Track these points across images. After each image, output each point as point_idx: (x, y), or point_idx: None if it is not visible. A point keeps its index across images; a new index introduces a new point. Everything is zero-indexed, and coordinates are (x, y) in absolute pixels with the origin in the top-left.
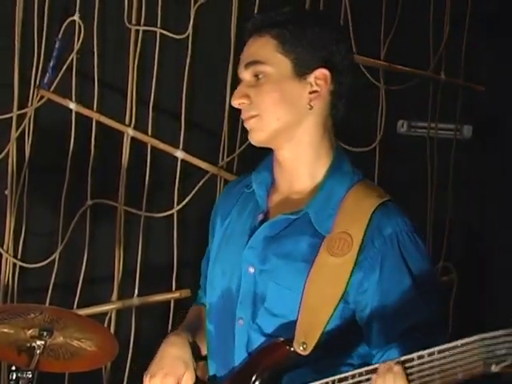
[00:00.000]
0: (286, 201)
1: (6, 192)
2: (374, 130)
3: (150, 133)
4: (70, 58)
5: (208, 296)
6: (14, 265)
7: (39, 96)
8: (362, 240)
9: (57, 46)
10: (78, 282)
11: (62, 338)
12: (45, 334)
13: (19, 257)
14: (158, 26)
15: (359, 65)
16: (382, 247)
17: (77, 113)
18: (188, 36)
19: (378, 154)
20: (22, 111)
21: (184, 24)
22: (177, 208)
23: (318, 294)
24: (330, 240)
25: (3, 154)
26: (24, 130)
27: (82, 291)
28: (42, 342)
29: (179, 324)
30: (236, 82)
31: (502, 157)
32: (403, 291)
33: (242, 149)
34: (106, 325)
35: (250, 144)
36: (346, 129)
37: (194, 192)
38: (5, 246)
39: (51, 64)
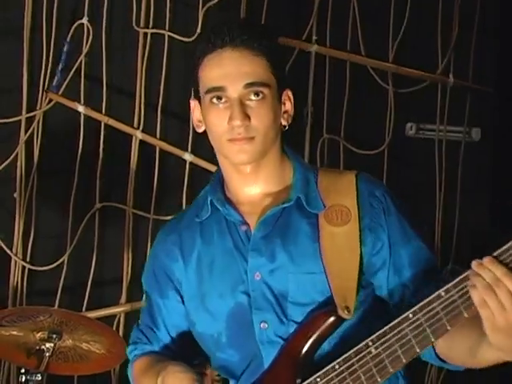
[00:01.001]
0: (261, 206)
1: (15, 195)
2: (383, 133)
3: (158, 136)
4: (79, 61)
5: (210, 329)
6: (23, 268)
7: (48, 99)
8: (359, 207)
9: (65, 49)
10: (87, 285)
11: (71, 341)
12: (54, 336)
13: (28, 260)
14: (167, 28)
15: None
16: (379, 205)
17: (85, 116)
18: (196, 39)
19: (387, 156)
20: (31, 114)
21: (192, 27)
22: None
23: (339, 262)
24: (326, 215)
25: (12, 157)
26: (33, 133)
27: (90, 294)
28: (51, 345)
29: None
30: None
31: (510, 159)
32: (409, 240)
33: None
34: (114, 327)
35: None
36: (355, 132)
37: None
38: (14, 249)
39: (60, 67)
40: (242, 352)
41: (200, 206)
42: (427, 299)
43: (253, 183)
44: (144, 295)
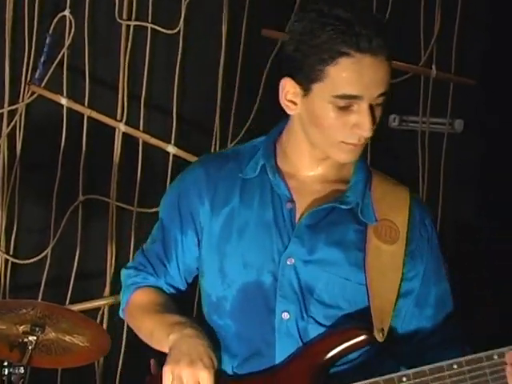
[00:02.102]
0: (311, 189)
1: None
2: None
3: (141, 128)
4: (61, 54)
5: (215, 289)
6: (6, 261)
7: (30, 92)
8: (408, 229)
9: (47, 41)
10: (71, 278)
11: (54, 334)
12: (37, 329)
13: (11, 253)
14: (149, 21)
15: None
16: (425, 235)
17: (68, 108)
18: (179, 31)
19: (370, 148)
20: (13, 107)
21: (175, 19)
22: None
23: (382, 281)
24: (376, 228)
25: None
26: (15, 125)
27: (74, 287)
28: (34, 338)
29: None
30: (228, 75)
31: (493, 151)
32: (440, 280)
33: (234, 143)
34: (98, 320)
35: (241, 139)
36: None
37: None
38: None
39: (42, 60)
40: (246, 329)
41: (245, 160)
42: (477, 355)
43: (318, 167)
44: (158, 223)
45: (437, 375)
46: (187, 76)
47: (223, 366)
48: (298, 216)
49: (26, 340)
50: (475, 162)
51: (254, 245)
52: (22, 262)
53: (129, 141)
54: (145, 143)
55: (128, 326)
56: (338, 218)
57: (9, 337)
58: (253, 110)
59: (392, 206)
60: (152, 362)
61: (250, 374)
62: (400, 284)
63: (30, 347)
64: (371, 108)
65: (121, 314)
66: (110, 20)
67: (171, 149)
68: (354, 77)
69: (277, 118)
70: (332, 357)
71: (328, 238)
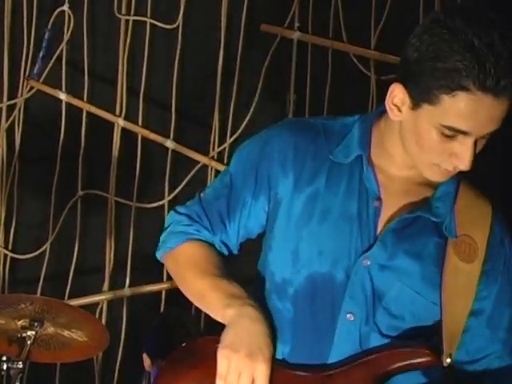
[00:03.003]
0: (397, 189)
1: None
2: None
3: (140, 123)
4: (60, 49)
5: (283, 270)
6: (5, 256)
7: (29, 86)
8: (487, 248)
9: (46, 36)
10: (69, 273)
11: (52, 329)
12: (35, 324)
13: (10, 248)
14: (148, 16)
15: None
16: (503, 256)
17: (67, 103)
18: (178, 26)
19: None
20: (12, 102)
21: (174, 14)
22: (168, 198)
23: (456, 303)
24: (456, 244)
25: None
26: (14, 120)
27: (73, 282)
28: (33, 333)
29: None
30: (227, 71)
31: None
32: None
33: (232, 139)
34: (97, 315)
35: (240, 134)
36: None
37: (185, 182)
38: None
39: (41, 54)
40: (305, 320)
41: (334, 140)
42: None
43: (408, 169)
44: (225, 176)
45: None
46: (186, 71)
47: (278, 354)
48: (381, 216)
49: (24, 335)
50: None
51: (334, 235)
52: (20, 256)
53: (128, 136)
54: (144, 138)
55: (127, 321)
56: (423, 227)
57: (7, 332)
58: (252, 106)
59: (474, 220)
60: (144, 355)
61: (302, 366)
62: (471, 308)
63: (28, 342)
64: (475, 143)
65: (158, 255)
66: (109, 15)
67: (170, 144)
68: (469, 114)
69: (276, 113)
70: (394, 370)
71: (409, 247)
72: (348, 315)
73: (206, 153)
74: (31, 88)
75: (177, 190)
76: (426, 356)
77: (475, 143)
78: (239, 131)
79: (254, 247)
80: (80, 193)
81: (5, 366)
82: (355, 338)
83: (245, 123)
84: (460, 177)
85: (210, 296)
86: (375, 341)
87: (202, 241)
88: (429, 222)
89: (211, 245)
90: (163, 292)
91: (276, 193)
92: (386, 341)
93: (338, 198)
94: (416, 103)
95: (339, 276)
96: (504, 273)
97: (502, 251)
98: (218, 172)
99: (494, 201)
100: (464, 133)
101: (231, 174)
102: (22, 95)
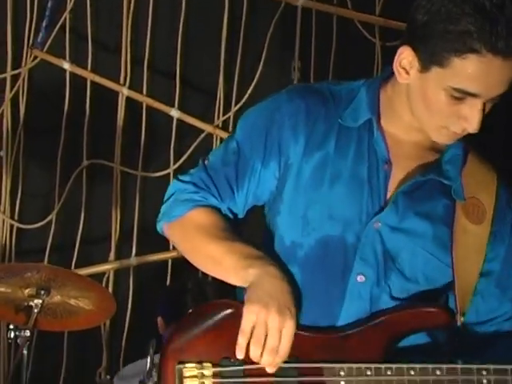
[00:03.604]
0: (407, 151)
1: (2, 153)
2: None
3: (144, 92)
4: (63, 18)
5: (292, 234)
6: (11, 226)
7: (33, 56)
8: (494, 211)
9: (49, 5)
10: (75, 243)
11: (59, 297)
12: (42, 292)
13: (16, 218)
14: None
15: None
16: (510, 219)
17: (71, 73)
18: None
19: None
20: (16, 71)
21: None
22: (173, 167)
23: (466, 263)
24: (464, 206)
25: None
26: (18, 90)
27: (79, 252)
28: (40, 301)
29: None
30: (231, 38)
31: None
32: None
33: (237, 107)
34: (103, 285)
35: (245, 102)
36: None
37: (190, 151)
38: (1, 207)
39: (44, 24)
40: (314, 282)
41: (342, 104)
42: (504, 366)
43: (416, 133)
44: (232, 142)
45: (467, 376)
46: (190, 39)
47: None
48: (391, 179)
49: (31, 303)
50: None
51: (345, 198)
52: (26, 226)
53: (132, 105)
54: (148, 107)
55: (134, 291)
56: (433, 189)
57: (14, 300)
58: (256, 74)
59: (480, 185)
60: (159, 319)
61: (316, 328)
62: (481, 268)
63: (35, 310)
64: (484, 105)
65: (159, 226)
66: None
67: (175, 112)
68: (479, 77)
69: (280, 81)
70: (409, 330)
71: (419, 209)
72: (359, 277)
73: (210, 121)
74: (35, 57)
75: (182, 159)
76: (441, 316)
77: (484, 106)
78: (244, 99)
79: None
80: (85, 162)
81: (12, 335)
82: (366, 299)
83: (249, 91)
84: (466, 141)
85: (227, 260)
86: (385, 303)
87: (210, 207)
88: (438, 185)
89: (219, 211)
90: (169, 261)
91: (287, 158)
92: (396, 303)
93: (348, 161)
94: (425, 66)
95: (350, 239)
96: (511, 234)
97: (509, 213)
98: (222, 140)
99: (498, 167)
100: (473, 95)
101: (238, 141)
102: (25, 65)
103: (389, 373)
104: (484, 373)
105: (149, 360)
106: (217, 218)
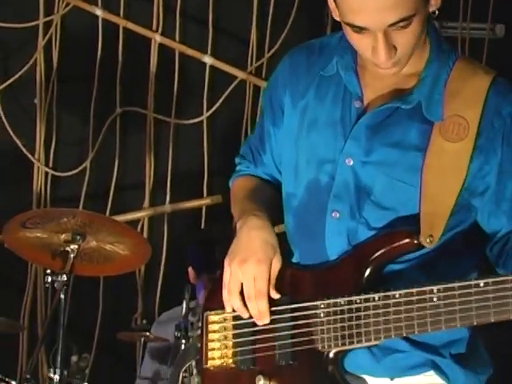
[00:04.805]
0: (382, 86)
1: (36, 101)
2: None
3: (177, 39)
4: None
5: (288, 185)
6: (46, 174)
7: (65, 3)
8: (480, 122)
9: None
10: (110, 190)
11: (94, 242)
12: (78, 238)
13: (51, 165)
14: None
15: None
16: (501, 128)
17: (103, 19)
18: None
19: None
20: (48, 18)
21: None
22: (206, 114)
23: (439, 183)
24: (443, 125)
25: (31, 62)
26: (51, 37)
27: (113, 199)
28: (76, 246)
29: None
30: None
31: None
32: None
33: (270, 53)
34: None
35: (278, 48)
36: None
37: (223, 98)
38: (36, 155)
39: None
40: (302, 227)
41: (326, 57)
42: (507, 277)
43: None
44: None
45: (463, 291)
46: None
47: (292, 257)
48: (365, 115)
49: (67, 249)
50: None
51: (320, 142)
52: (61, 174)
53: (165, 52)
54: (181, 54)
55: (168, 238)
56: (401, 117)
57: (50, 245)
58: (289, 20)
59: (466, 98)
60: (190, 269)
61: (310, 265)
62: (462, 186)
63: (71, 255)
64: (389, 35)
65: None
66: None
67: (208, 59)
68: (357, 9)
69: (313, 28)
70: (377, 258)
71: (386, 139)
72: (333, 213)
73: (243, 68)
74: (67, 4)
75: (215, 106)
76: (404, 238)
77: (390, 36)
78: (277, 46)
79: None
80: (118, 110)
81: (49, 279)
82: (343, 234)
83: (282, 37)
84: (453, 60)
85: (235, 218)
86: (363, 234)
87: (249, 174)
88: (407, 111)
89: (256, 176)
90: (203, 208)
91: (284, 112)
92: (375, 233)
93: (325, 107)
94: (335, 7)
95: (324, 179)
96: (503, 144)
97: (499, 121)
98: (256, 87)
99: (494, 72)
100: (363, 28)
101: (262, 110)
102: (58, 12)
103: (358, 301)
104: (435, 291)
105: (184, 305)
106: (249, 183)
